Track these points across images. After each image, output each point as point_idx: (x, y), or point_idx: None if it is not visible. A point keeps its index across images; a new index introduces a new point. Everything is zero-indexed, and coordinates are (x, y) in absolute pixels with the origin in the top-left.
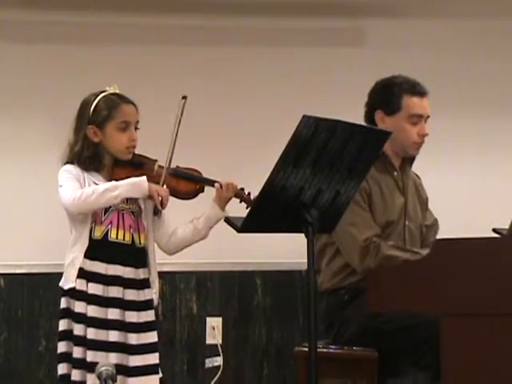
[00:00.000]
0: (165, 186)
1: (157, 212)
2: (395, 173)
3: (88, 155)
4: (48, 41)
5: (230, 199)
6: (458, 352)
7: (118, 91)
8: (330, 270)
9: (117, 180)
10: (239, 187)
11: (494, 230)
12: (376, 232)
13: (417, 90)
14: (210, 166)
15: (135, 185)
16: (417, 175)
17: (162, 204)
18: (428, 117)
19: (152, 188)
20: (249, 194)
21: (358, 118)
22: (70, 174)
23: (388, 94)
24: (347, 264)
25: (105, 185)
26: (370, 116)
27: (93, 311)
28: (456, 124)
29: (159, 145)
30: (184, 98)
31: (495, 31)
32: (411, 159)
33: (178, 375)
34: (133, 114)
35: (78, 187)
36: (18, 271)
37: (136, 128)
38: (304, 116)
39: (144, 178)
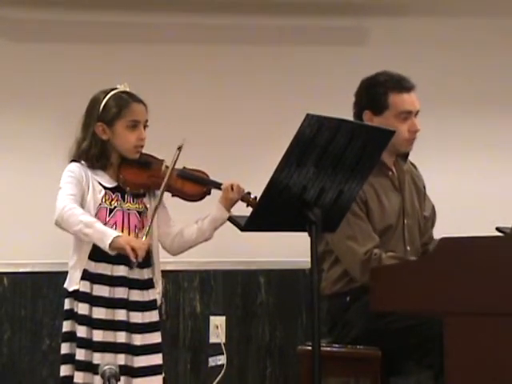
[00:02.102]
0: (145, 239)
1: (131, 265)
2: (390, 173)
3: (95, 152)
4: (52, 39)
5: (236, 201)
6: (461, 351)
7: (128, 89)
8: (331, 277)
9: (123, 178)
10: (246, 191)
11: (498, 229)
12: (376, 243)
13: (402, 85)
14: (213, 165)
15: (103, 235)
16: (413, 164)
17: (137, 256)
18: (418, 111)
19: (122, 242)
20: (255, 198)
21: None
22: (71, 176)
23: (374, 94)
24: (347, 271)
25: (88, 218)
26: (358, 117)
27: (99, 313)
28: (459, 122)
29: (163, 144)
30: (179, 148)
31: (498, 29)
32: (405, 154)
33: (182, 374)
34: (142, 113)
35: (74, 195)
36: (21, 270)
37: (145, 127)
38: (307, 115)
39: (116, 234)
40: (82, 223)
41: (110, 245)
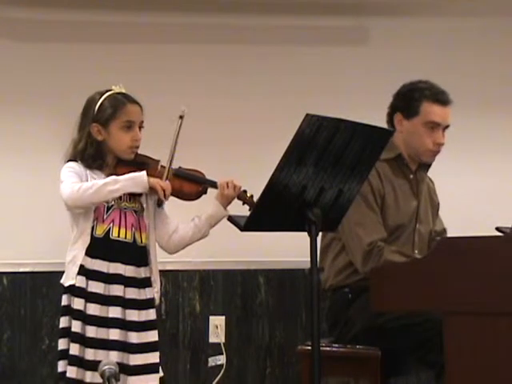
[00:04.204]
0: (167, 181)
1: (160, 204)
2: (411, 176)
3: (91, 153)
4: (52, 39)
5: (232, 199)
6: (462, 350)
7: (123, 91)
8: (335, 267)
9: None
10: (242, 189)
11: (498, 229)
12: (382, 236)
13: (438, 98)
14: (212, 165)
15: (135, 179)
16: (431, 180)
17: (165, 195)
18: (447, 126)
19: (153, 181)
20: (251, 196)
21: (362, 116)
22: (71, 171)
23: (409, 98)
24: (352, 262)
25: (105, 179)
26: (390, 117)
27: (93, 309)
28: (459, 122)
29: (161, 144)
30: (181, 117)
31: (499, 29)
32: (427, 165)
33: (181, 374)
34: (137, 114)
35: (79, 182)
36: (21, 270)
37: (140, 128)
38: (307, 115)
39: (144, 172)
40: (107, 185)
41: (148, 183)
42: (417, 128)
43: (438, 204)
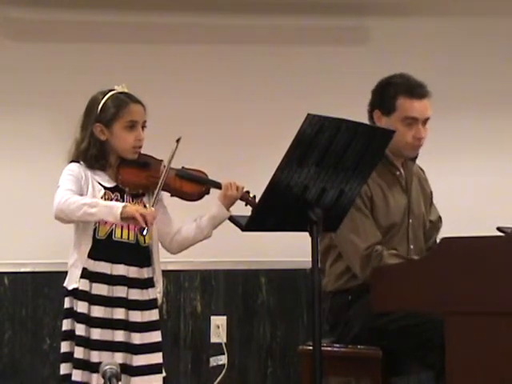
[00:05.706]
0: (153, 209)
1: (142, 231)
2: (397, 172)
3: (94, 153)
4: (52, 39)
5: (235, 200)
6: (463, 350)
7: (126, 90)
8: (334, 273)
9: (122, 179)
10: (245, 190)
11: (499, 229)
12: (378, 239)
13: (413, 92)
14: (213, 166)
15: (112, 209)
16: (421, 169)
17: (147, 223)
18: (427, 119)
19: (131, 210)
20: (254, 197)
21: (362, 116)
22: (70, 175)
23: (384, 94)
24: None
25: (89, 199)
26: (370, 115)
27: (97, 311)
28: (459, 123)
29: (163, 144)
30: (177, 141)
31: (500, 29)
32: (412, 158)
33: (183, 374)
34: (140, 114)
35: (73, 190)
36: (22, 270)
37: (143, 127)
38: (308, 115)
39: (122, 204)
40: (86, 205)
41: (120, 215)
42: (395, 124)
43: (431, 193)
